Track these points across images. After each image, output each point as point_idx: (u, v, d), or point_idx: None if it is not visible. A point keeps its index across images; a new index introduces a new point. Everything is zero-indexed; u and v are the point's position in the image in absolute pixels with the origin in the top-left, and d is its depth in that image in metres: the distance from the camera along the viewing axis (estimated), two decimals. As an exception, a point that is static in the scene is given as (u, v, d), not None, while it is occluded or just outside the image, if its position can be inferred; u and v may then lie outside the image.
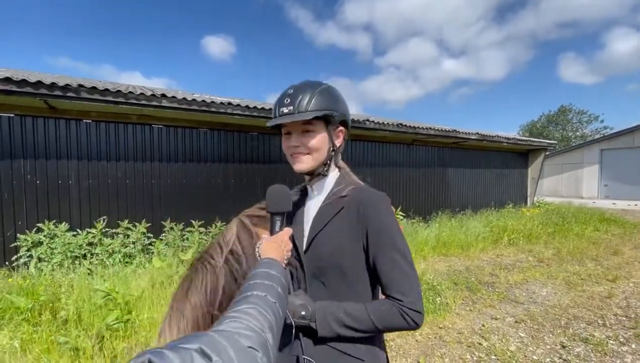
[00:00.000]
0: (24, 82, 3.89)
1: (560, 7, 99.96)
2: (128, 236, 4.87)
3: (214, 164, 5.79)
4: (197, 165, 5.63)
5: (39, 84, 3.94)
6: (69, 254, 4.34)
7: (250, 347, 0.45)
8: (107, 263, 4.40)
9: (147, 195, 5.26)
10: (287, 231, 0.91)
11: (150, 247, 4.95)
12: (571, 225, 8.57)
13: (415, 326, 0.80)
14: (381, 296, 0.88)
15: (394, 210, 0.95)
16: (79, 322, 2.95)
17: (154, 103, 4.63)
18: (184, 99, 4.86)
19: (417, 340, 3.06)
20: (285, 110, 0.86)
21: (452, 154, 9.53)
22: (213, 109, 5.07)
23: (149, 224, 5.09)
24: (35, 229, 4.43)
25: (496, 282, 4.69)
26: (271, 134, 6.26)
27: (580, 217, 9.53)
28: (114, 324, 2.82)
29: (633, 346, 2.91)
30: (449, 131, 8.25)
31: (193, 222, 5.37)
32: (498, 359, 2.73)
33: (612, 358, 2.73)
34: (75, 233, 4.61)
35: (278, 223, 0.91)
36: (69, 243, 4.40)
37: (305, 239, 0.94)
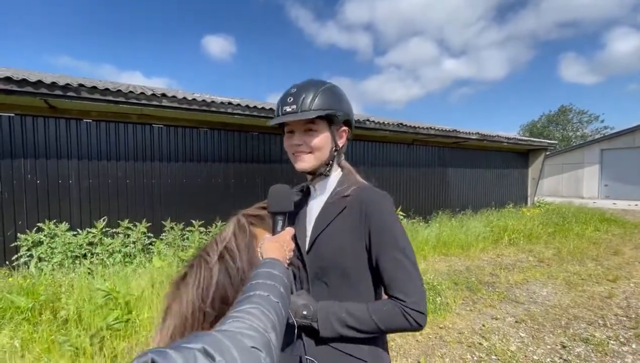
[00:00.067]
0: (24, 82, 3.88)
1: (560, 7, 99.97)
2: (128, 236, 4.87)
3: (214, 164, 5.79)
4: (197, 165, 5.63)
5: (39, 83, 3.94)
6: (69, 254, 4.34)
7: (253, 347, 0.44)
8: (108, 262, 4.40)
9: (147, 194, 5.26)
10: (289, 231, 0.90)
11: (150, 246, 4.95)
12: (571, 225, 8.57)
13: (418, 327, 0.80)
14: (384, 296, 0.87)
15: (395, 210, 0.95)
16: (79, 321, 2.95)
17: (154, 103, 4.63)
18: (184, 98, 4.86)
19: (417, 340, 3.06)
20: (288, 108, 0.86)
21: (452, 153, 9.52)
22: (213, 109, 5.07)
23: (149, 224, 5.09)
24: (35, 229, 4.43)
25: (496, 281, 4.69)
26: (271, 134, 6.26)
27: (581, 217, 9.52)
28: (114, 324, 2.82)
29: (633, 346, 2.91)
30: (449, 131, 8.24)
31: (193, 221, 5.37)
32: (498, 359, 2.73)
33: (612, 359, 2.73)
34: (75, 233, 4.61)
35: (280, 223, 0.91)
36: (69, 243, 4.40)
37: (307, 239, 0.93)
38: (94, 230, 4.67)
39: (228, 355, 0.40)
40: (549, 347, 2.93)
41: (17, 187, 4.43)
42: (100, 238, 4.66)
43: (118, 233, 4.87)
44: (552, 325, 3.35)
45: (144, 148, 5.22)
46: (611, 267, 5.31)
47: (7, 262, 4.28)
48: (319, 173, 0.94)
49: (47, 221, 4.48)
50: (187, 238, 5.20)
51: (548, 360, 2.72)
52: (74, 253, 4.38)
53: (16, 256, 4.26)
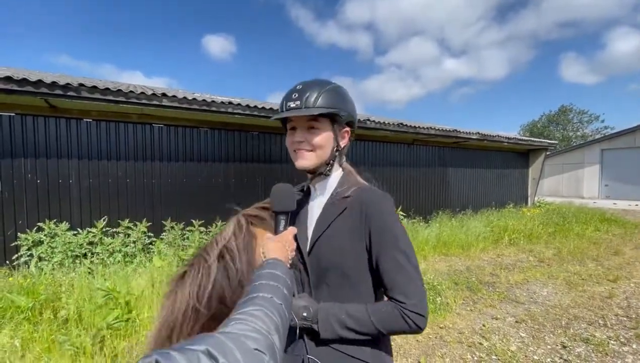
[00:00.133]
0: (24, 81, 3.89)
1: (561, 7, 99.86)
2: (128, 235, 4.87)
3: (215, 164, 5.79)
4: (197, 165, 5.63)
5: (39, 83, 3.94)
6: (69, 253, 4.34)
7: (256, 350, 0.44)
8: (108, 262, 4.40)
9: (147, 194, 5.26)
10: (292, 230, 0.89)
11: (150, 246, 4.95)
12: (572, 225, 8.56)
13: (418, 329, 0.79)
14: (386, 298, 0.87)
15: (395, 209, 0.94)
16: (79, 321, 2.95)
17: (155, 102, 4.63)
18: (185, 98, 4.86)
19: (417, 340, 3.06)
20: (293, 104, 0.86)
21: (452, 153, 9.52)
22: (214, 108, 5.07)
23: (149, 223, 5.09)
24: (35, 228, 4.43)
25: (497, 281, 4.68)
26: (272, 134, 6.25)
27: (581, 217, 9.52)
28: (114, 323, 2.82)
29: (634, 346, 2.91)
30: (449, 131, 8.24)
31: (193, 221, 5.37)
32: (499, 359, 2.73)
33: (613, 359, 2.73)
34: (75, 232, 4.61)
35: (282, 223, 0.90)
36: (69, 243, 4.40)
37: (308, 241, 0.93)
38: (94, 230, 4.67)
39: (231, 357, 0.40)
40: (549, 347, 2.92)
41: (18, 187, 4.43)
42: (101, 238, 4.66)
43: (118, 232, 4.87)
44: (553, 325, 3.34)
45: (144, 148, 5.22)
46: (611, 267, 5.30)
47: (7, 262, 4.28)
48: (319, 172, 0.94)
49: (47, 221, 4.48)
50: (188, 238, 5.20)
51: (548, 360, 2.71)
52: (74, 253, 4.38)
53: (16, 255, 4.27)
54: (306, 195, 1.03)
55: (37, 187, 4.54)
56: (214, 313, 1.28)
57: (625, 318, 3.47)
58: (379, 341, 0.86)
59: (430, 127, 7.84)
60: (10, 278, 3.68)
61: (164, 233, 5.18)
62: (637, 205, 14.79)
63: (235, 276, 1.27)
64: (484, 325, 3.32)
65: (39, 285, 3.39)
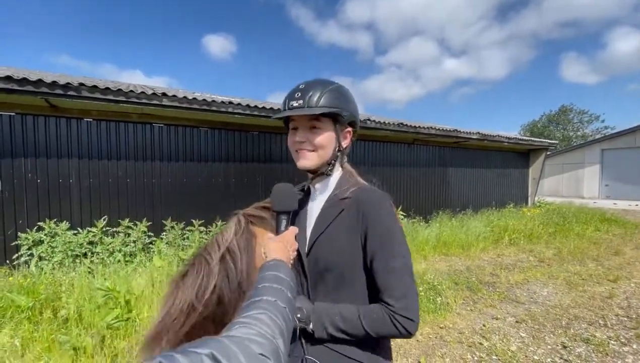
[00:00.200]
0: (25, 81, 3.88)
1: (562, 7, 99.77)
2: (129, 235, 4.87)
3: (215, 163, 5.79)
4: (197, 165, 5.63)
5: (40, 82, 3.94)
6: (69, 253, 4.34)
7: (261, 354, 0.44)
8: (108, 262, 4.40)
9: (147, 194, 5.26)
10: (293, 230, 0.89)
11: (151, 245, 4.95)
12: (572, 225, 8.56)
13: (407, 334, 0.77)
14: None
15: (395, 209, 0.93)
16: (79, 320, 2.95)
17: (155, 102, 4.63)
18: (185, 98, 4.86)
19: (417, 340, 3.06)
20: (295, 103, 0.86)
21: (453, 153, 9.51)
22: (214, 108, 5.07)
23: (149, 223, 5.09)
24: (36, 228, 4.43)
25: (497, 281, 4.68)
26: (272, 133, 6.25)
27: (581, 217, 9.51)
28: (114, 323, 2.82)
29: (634, 346, 2.91)
30: (450, 131, 8.24)
31: (194, 221, 5.37)
32: (499, 359, 2.73)
33: (613, 359, 2.73)
34: (75, 232, 4.61)
35: (284, 222, 0.90)
36: (69, 242, 4.40)
37: (307, 241, 0.92)
38: (94, 229, 4.67)
39: (235, 361, 0.40)
40: (549, 347, 2.92)
41: (18, 186, 4.43)
42: (101, 238, 4.66)
43: (118, 232, 4.87)
44: (553, 325, 3.34)
45: (145, 147, 5.22)
46: (612, 267, 5.30)
47: (7, 261, 4.28)
48: (320, 172, 0.93)
49: (47, 220, 4.48)
50: (188, 237, 5.20)
51: (549, 360, 2.71)
52: (74, 253, 4.38)
53: (17, 255, 4.27)
54: (306, 195, 1.02)
55: (37, 187, 4.54)
56: (209, 313, 1.28)
57: (625, 319, 3.47)
58: (377, 342, 0.85)
59: (431, 127, 7.84)
60: (11, 278, 3.68)
61: (164, 233, 5.19)
62: (637, 205, 14.78)
63: (235, 277, 1.27)
64: (484, 325, 3.32)
65: (39, 284, 3.39)
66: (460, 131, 8.47)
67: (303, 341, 0.87)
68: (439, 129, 7.97)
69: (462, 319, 3.48)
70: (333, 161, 0.92)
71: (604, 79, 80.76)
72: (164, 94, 4.73)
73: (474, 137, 8.75)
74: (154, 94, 4.62)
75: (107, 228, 4.84)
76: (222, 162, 5.85)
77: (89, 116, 4.82)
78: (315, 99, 0.84)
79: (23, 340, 2.61)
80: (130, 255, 4.69)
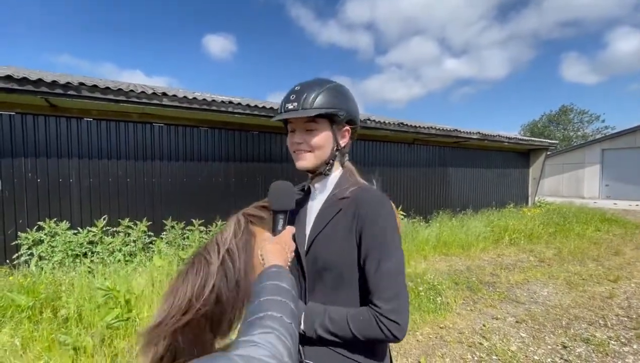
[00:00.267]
0: (25, 80, 3.88)
1: (562, 6, 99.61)
2: (129, 234, 4.87)
3: (215, 163, 5.78)
4: (198, 164, 5.63)
5: (40, 82, 3.94)
6: (69, 252, 4.34)
7: None
8: (108, 261, 4.40)
9: (147, 193, 5.26)
10: (290, 230, 0.87)
11: (151, 245, 4.95)
12: (572, 225, 8.56)
13: (393, 338, 0.75)
14: None
15: (396, 210, 0.93)
16: (79, 320, 2.95)
17: (155, 101, 4.63)
18: (185, 97, 4.86)
19: (418, 340, 3.06)
20: (290, 106, 0.86)
21: (453, 153, 9.51)
22: (214, 108, 5.06)
23: (149, 223, 5.09)
24: (36, 227, 4.43)
25: (497, 281, 4.68)
26: (272, 133, 6.25)
27: (582, 217, 9.51)
28: (114, 323, 2.82)
29: (634, 346, 2.91)
30: (450, 131, 8.23)
31: (194, 220, 5.37)
32: (499, 359, 2.73)
33: (613, 359, 2.72)
34: (76, 231, 4.61)
35: (281, 222, 0.88)
36: (69, 242, 4.40)
37: (306, 240, 0.92)
38: (94, 229, 4.67)
39: None
40: (549, 347, 2.92)
41: (18, 186, 4.43)
42: (101, 237, 4.66)
43: (118, 232, 4.87)
44: (553, 325, 3.34)
45: (145, 147, 5.22)
46: (612, 267, 5.30)
47: (7, 261, 4.29)
48: (319, 172, 0.94)
49: (47, 220, 4.48)
50: (188, 237, 5.21)
51: (549, 360, 2.71)
52: (74, 252, 4.38)
53: (17, 255, 4.27)
54: (306, 195, 1.03)
55: (37, 186, 4.54)
56: (206, 312, 1.29)
57: (625, 319, 3.47)
58: (373, 343, 0.85)
59: (431, 127, 7.84)
60: (11, 277, 3.69)
61: (164, 233, 5.19)
62: (637, 205, 14.77)
63: (234, 276, 1.28)
64: (484, 325, 3.32)
65: (39, 284, 3.39)
66: (460, 131, 8.46)
67: (300, 347, 0.87)
68: (439, 129, 7.96)
69: (462, 319, 3.48)
70: (331, 161, 0.92)
71: (605, 79, 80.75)
72: (164, 94, 4.73)
73: (474, 137, 8.75)
74: (154, 93, 4.62)
75: (107, 227, 4.84)
76: (222, 162, 5.85)
77: (89, 116, 4.82)
78: (309, 100, 0.85)
79: (23, 340, 2.61)
80: (130, 254, 4.69)
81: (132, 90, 4.51)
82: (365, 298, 0.82)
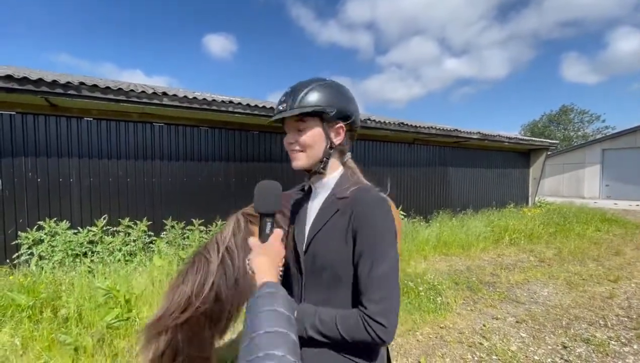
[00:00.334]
0: (25, 80, 3.88)
1: (563, 6, 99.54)
2: (129, 234, 4.87)
3: (215, 163, 5.78)
4: (198, 164, 5.63)
5: (40, 81, 3.93)
6: (69, 252, 4.34)
7: None
8: (108, 261, 4.40)
9: (148, 193, 5.26)
10: (278, 234, 0.84)
11: (151, 245, 4.95)
12: (572, 225, 8.55)
13: (380, 341, 0.74)
14: None
15: (396, 210, 0.92)
16: (79, 320, 2.95)
17: (155, 101, 4.63)
18: (185, 97, 4.85)
19: (418, 340, 3.06)
20: (281, 107, 0.88)
21: (453, 153, 9.50)
22: (214, 108, 5.06)
23: (149, 222, 5.09)
24: (36, 227, 4.43)
25: (497, 281, 4.68)
26: (272, 133, 6.25)
27: (582, 217, 9.50)
28: (114, 322, 2.82)
29: (635, 347, 2.90)
30: (450, 130, 8.23)
31: (194, 220, 5.36)
32: (499, 359, 2.72)
33: (613, 359, 2.72)
34: (76, 231, 4.61)
35: (269, 225, 0.84)
36: (69, 241, 4.40)
37: (305, 239, 0.93)
38: (94, 229, 4.67)
39: None
40: (549, 347, 2.92)
41: (18, 185, 4.43)
42: (101, 237, 4.66)
43: (119, 231, 4.87)
44: (553, 325, 3.34)
45: (145, 147, 5.22)
46: (612, 268, 5.29)
47: (7, 260, 4.29)
48: (314, 171, 0.94)
49: (47, 219, 4.48)
50: (188, 237, 5.20)
51: (549, 360, 2.71)
52: (74, 252, 4.38)
53: (17, 254, 4.27)
54: (307, 194, 1.03)
55: (37, 186, 4.55)
56: (205, 309, 1.30)
57: (626, 319, 3.47)
58: (368, 344, 0.84)
59: (431, 127, 7.83)
60: (11, 277, 3.69)
61: (164, 232, 5.19)
62: (638, 205, 14.76)
63: (232, 274, 1.29)
64: (484, 325, 3.32)
65: (40, 283, 3.40)
66: (460, 131, 8.46)
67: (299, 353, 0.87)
68: (439, 129, 7.96)
69: (462, 319, 3.48)
70: (325, 158, 0.91)
71: (605, 79, 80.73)
72: (164, 94, 4.73)
73: (475, 136, 8.74)
74: (154, 93, 4.62)
75: (108, 227, 4.84)
76: (223, 162, 5.85)
77: (89, 115, 4.82)
78: (297, 100, 0.85)
79: (23, 339, 2.61)
80: (131, 254, 4.69)
81: (132, 90, 4.51)
82: (356, 299, 0.81)
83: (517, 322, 3.41)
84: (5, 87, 3.83)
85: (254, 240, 0.83)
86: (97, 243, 4.62)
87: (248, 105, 5.33)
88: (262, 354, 0.50)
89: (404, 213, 7.89)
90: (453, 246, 6.44)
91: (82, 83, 4.18)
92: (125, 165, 5.08)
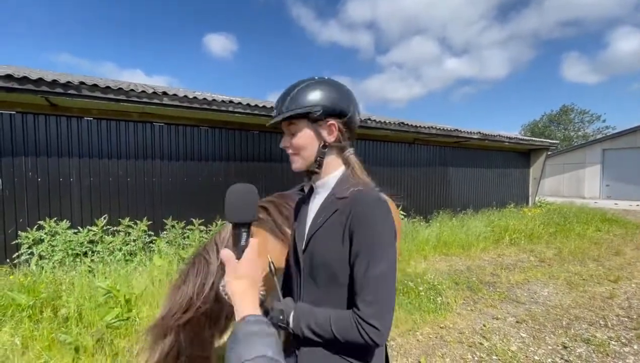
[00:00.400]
0: (25, 79, 3.88)
1: (563, 6, 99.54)
2: (129, 234, 4.87)
3: (215, 162, 5.78)
4: (198, 164, 5.63)
5: (40, 81, 3.93)
6: (70, 252, 4.34)
7: None
8: (108, 261, 4.40)
9: (148, 193, 5.26)
10: (254, 247, 0.74)
11: (151, 244, 4.95)
12: (573, 225, 8.55)
13: (372, 344, 0.74)
14: None
15: (397, 210, 0.92)
16: (79, 319, 2.95)
17: (155, 101, 4.63)
18: (185, 97, 4.85)
19: (418, 340, 3.06)
20: (274, 113, 0.91)
21: (453, 153, 9.50)
22: (214, 107, 5.06)
23: (150, 222, 5.09)
24: (36, 227, 4.43)
25: (497, 281, 4.68)
26: (272, 133, 6.25)
27: (582, 217, 9.50)
28: (114, 322, 2.82)
29: (635, 347, 2.90)
30: (450, 130, 8.22)
31: (194, 220, 5.36)
32: (499, 359, 2.72)
33: (614, 359, 2.72)
34: (76, 231, 4.61)
35: (244, 236, 0.74)
36: (70, 241, 4.40)
37: (305, 237, 0.93)
38: (94, 228, 4.67)
39: None
40: (550, 347, 2.92)
41: (18, 185, 4.43)
42: (101, 237, 4.66)
43: (119, 231, 4.87)
44: (553, 325, 3.34)
45: (145, 146, 5.22)
46: (612, 268, 5.29)
47: (8, 260, 4.29)
48: (311, 171, 0.94)
49: (48, 219, 4.48)
50: (188, 236, 5.20)
51: (549, 360, 2.71)
52: (74, 251, 4.38)
53: (17, 254, 4.27)
54: (309, 193, 1.03)
55: (37, 186, 4.55)
56: (206, 310, 1.31)
57: (626, 319, 3.46)
58: (364, 345, 0.84)
59: (431, 127, 7.83)
60: (11, 277, 3.69)
61: (164, 232, 5.19)
62: (638, 205, 14.75)
63: None
64: (484, 325, 3.32)
65: (40, 283, 3.40)
66: (461, 131, 8.45)
67: (297, 352, 0.88)
68: (439, 129, 7.95)
69: (462, 319, 3.48)
70: (319, 158, 0.91)
71: (605, 79, 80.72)
72: (165, 93, 4.72)
73: (475, 136, 8.74)
74: (154, 93, 4.62)
75: (108, 227, 4.84)
76: (223, 161, 5.85)
77: (89, 115, 4.82)
78: (285, 105, 0.87)
79: (23, 339, 2.61)
80: (131, 254, 4.69)
81: (132, 90, 4.51)
82: (351, 300, 0.81)
83: (517, 322, 3.41)
84: (6, 87, 3.83)
85: (227, 255, 0.72)
86: (98, 242, 4.62)
87: (248, 105, 5.33)
88: None
89: (404, 213, 7.89)
90: (453, 246, 6.44)
91: (82, 83, 4.18)
92: (126, 164, 5.08)
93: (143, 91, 4.54)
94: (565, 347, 2.91)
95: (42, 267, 4.07)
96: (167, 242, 4.99)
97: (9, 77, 3.81)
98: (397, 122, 7.41)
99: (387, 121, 7.11)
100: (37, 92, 3.97)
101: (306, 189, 1.03)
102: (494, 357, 2.75)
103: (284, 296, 0.96)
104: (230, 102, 5.19)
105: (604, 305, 3.84)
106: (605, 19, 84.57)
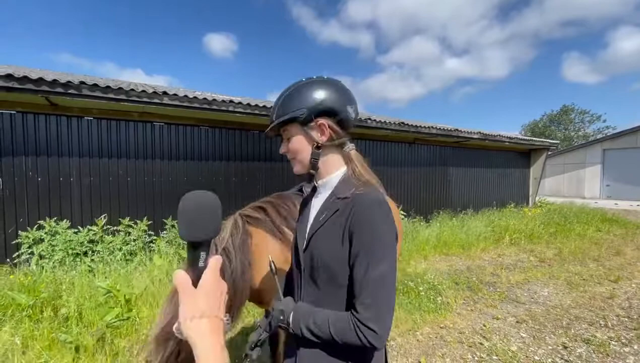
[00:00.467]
0: (25, 79, 3.88)
1: (564, 6, 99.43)
2: (129, 233, 4.87)
3: (215, 162, 5.78)
4: (198, 163, 5.63)
5: (40, 80, 3.93)
6: (70, 251, 4.34)
7: None
8: (108, 260, 4.40)
9: (148, 192, 5.26)
10: (214, 271, 0.58)
11: (151, 244, 4.95)
12: (573, 225, 8.54)
13: (371, 346, 0.74)
14: None
15: (397, 209, 0.92)
16: (80, 319, 2.96)
17: (156, 100, 4.63)
18: (186, 96, 4.85)
19: (418, 340, 3.06)
20: (269, 120, 0.95)
21: (453, 153, 9.50)
22: (214, 107, 5.06)
23: (150, 222, 5.10)
24: (36, 226, 4.44)
25: (497, 281, 4.67)
26: (272, 132, 6.25)
27: (582, 217, 9.49)
28: (114, 322, 2.82)
29: (635, 347, 2.90)
30: (450, 130, 8.22)
31: (194, 220, 5.35)
32: (499, 359, 2.72)
33: (614, 360, 2.72)
34: (76, 230, 4.61)
35: (202, 256, 0.58)
36: (70, 241, 4.41)
37: (306, 236, 0.93)
38: (94, 228, 4.67)
39: None
40: (550, 347, 2.92)
41: (19, 185, 4.44)
42: (101, 236, 4.66)
43: (119, 231, 4.87)
44: (553, 325, 3.34)
45: (145, 146, 5.22)
46: (613, 268, 5.29)
47: (8, 260, 4.29)
48: (310, 173, 0.96)
49: (48, 219, 4.48)
50: (188, 236, 5.20)
51: (549, 360, 2.71)
52: (74, 251, 4.38)
53: (17, 253, 4.27)
54: (312, 193, 1.03)
55: (38, 185, 4.55)
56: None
57: (626, 319, 3.46)
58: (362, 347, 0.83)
59: (432, 127, 7.82)
60: (11, 276, 3.69)
61: (164, 232, 5.19)
62: (638, 205, 14.74)
63: (230, 275, 1.31)
64: (484, 325, 3.32)
65: (40, 283, 3.40)
66: (461, 131, 8.45)
67: (297, 352, 0.88)
68: (439, 129, 7.95)
69: (462, 319, 3.48)
70: (314, 159, 0.91)
71: (606, 79, 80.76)
72: (165, 93, 4.72)
73: (475, 136, 8.73)
74: (154, 92, 4.62)
75: (108, 226, 4.84)
76: (223, 161, 5.85)
77: (89, 115, 4.82)
78: (276, 112, 0.90)
79: (23, 339, 2.61)
80: (131, 253, 4.69)
81: (132, 89, 4.51)
82: (350, 302, 0.81)
83: (517, 322, 3.41)
84: (6, 86, 3.83)
85: (182, 280, 0.56)
86: (98, 242, 4.62)
87: (248, 104, 5.33)
88: None
89: (404, 213, 7.89)
90: (453, 246, 6.44)
91: (82, 82, 4.18)
92: (126, 164, 5.08)
93: (143, 91, 4.54)
94: (565, 347, 2.91)
95: (42, 267, 4.07)
96: (167, 242, 4.99)
97: (9, 76, 3.81)
98: (398, 121, 7.41)
99: (387, 121, 7.10)
100: (37, 92, 3.97)
101: (306, 190, 1.02)
102: (494, 357, 2.75)
103: (287, 296, 0.96)
104: (230, 101, 5.18)
105: (604, 305, 3.84)
106: (606, 18, 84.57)
